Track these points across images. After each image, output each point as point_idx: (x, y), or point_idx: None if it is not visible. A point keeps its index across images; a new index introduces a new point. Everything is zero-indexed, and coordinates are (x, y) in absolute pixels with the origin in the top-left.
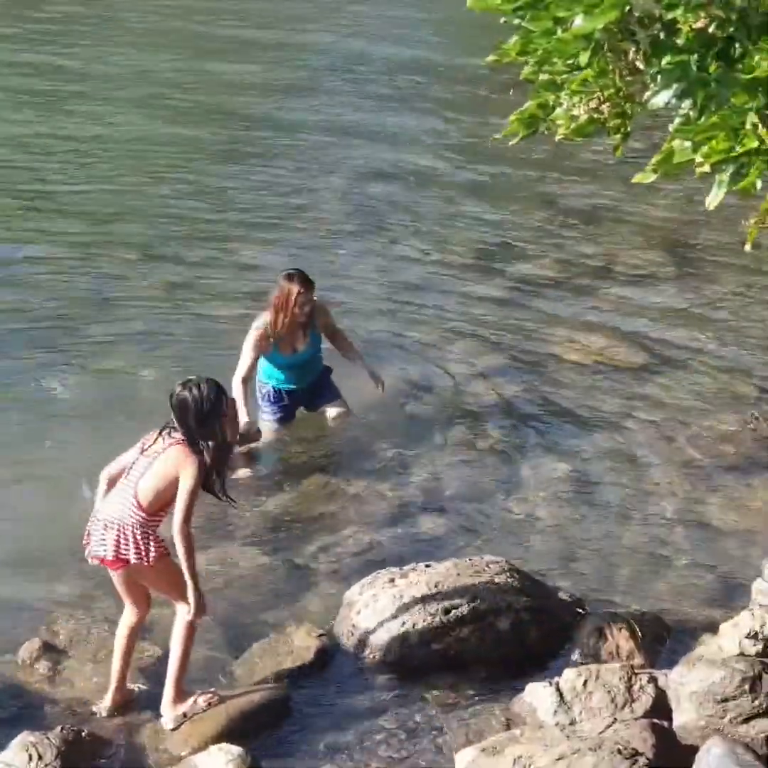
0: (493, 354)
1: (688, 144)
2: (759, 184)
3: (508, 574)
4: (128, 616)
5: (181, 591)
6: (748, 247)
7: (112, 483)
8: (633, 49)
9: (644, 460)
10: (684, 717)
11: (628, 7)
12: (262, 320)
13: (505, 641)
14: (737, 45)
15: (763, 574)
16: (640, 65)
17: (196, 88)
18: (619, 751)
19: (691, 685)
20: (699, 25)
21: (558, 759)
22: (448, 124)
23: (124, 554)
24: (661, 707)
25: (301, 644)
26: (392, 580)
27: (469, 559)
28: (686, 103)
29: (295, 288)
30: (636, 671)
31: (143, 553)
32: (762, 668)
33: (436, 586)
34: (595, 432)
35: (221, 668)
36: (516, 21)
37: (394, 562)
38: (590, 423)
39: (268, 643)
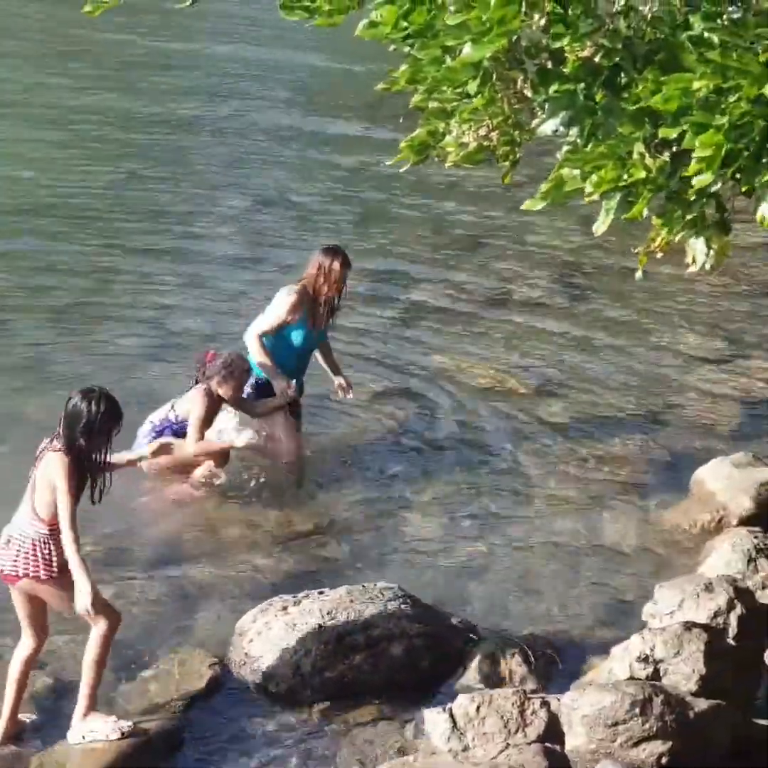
0: (387, 381)
1: (576, 172)
2: (646, 212)
3: (401, 600)
4: (24, 644)
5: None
6: (638, 275)
7: None
8: (521, 77)
9: (537, 484)
10: (576, 741)
11: (515, 37)
12: (295, 289)
13: (398, 668)
14: (623, 74)
15: (653, 597)
16: (528, 93)
17: (85, 114)
18: None
19: (583, 709)
20: (585, 54)
21: None
22: (339, 151)
23: (25, 569)
24: (553, 731)
25: (193, 672)
26: (285, 608)
27: (363, 586)
28: (574, 131)
29: (338, 262)
30: (528, 696)
31: (44, 567)
32: (652, 691)
33: (329, 614)
34: (489, 457)
35: (112, 696)
36: (405, 49)
37: (288, 589)
38: (484, 448)
39: (160, 671)
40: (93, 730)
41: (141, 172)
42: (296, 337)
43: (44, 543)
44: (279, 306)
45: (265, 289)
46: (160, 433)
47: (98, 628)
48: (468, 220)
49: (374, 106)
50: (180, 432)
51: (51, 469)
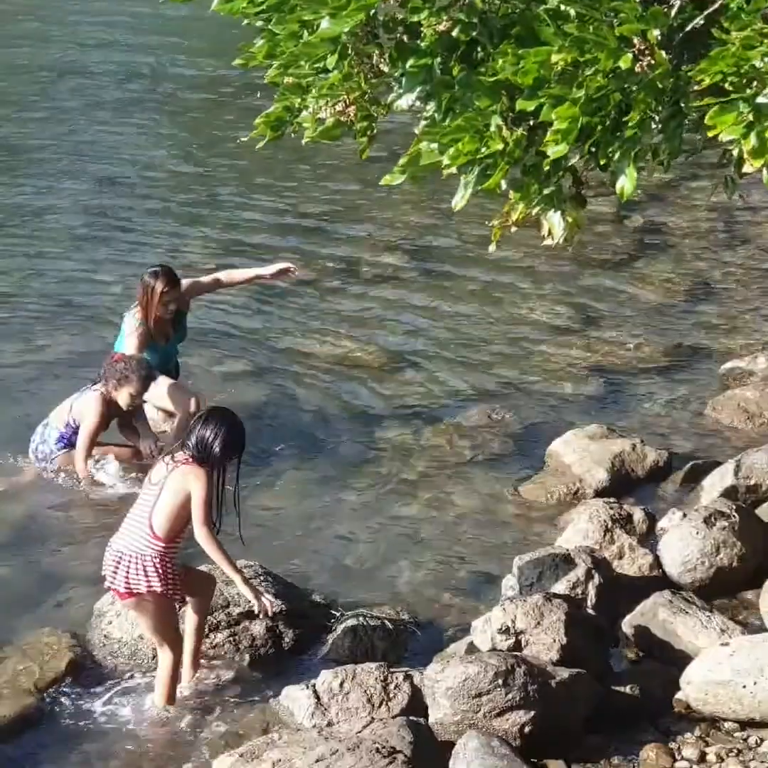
0: (238, 359)
1: (434, 146)
2: (503, 184)
3: (261, 578)
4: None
5: (165, 636)
6: (492, 248)
7: None
8: (377, 52)
9: (392, 458)
10: (439, 713)
11: (373, 11)
12: (136, 318)
13: (260, 645)
14: (480, 48)
15: (513, 569)
16: (385, 68)
17: None
18: (378, 750)
19: (446, 682)
20: (442, 28)
21: (317, 761)
22: (190, 130)
23: (136, 586)
24: (417, 705)
25: (53, 653)
26: None
27: None
28: (431, 106)
29: (159, 286)
30: (391, 670)
31: (158, 583)
32: (514, 662)
33: None
34: (343, 431)
35: None
36: (258, 24)
37: None
38: (338, 423)
39: (18, 653)
40: None
41: None
42: (152, 358)
43: (164, 561)
44: (129, 343)
45: (115, 266)
46: (69, 441)
47: (167, 657)
48: (322, 195)
49: (223, 82)
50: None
51: (186, 479)
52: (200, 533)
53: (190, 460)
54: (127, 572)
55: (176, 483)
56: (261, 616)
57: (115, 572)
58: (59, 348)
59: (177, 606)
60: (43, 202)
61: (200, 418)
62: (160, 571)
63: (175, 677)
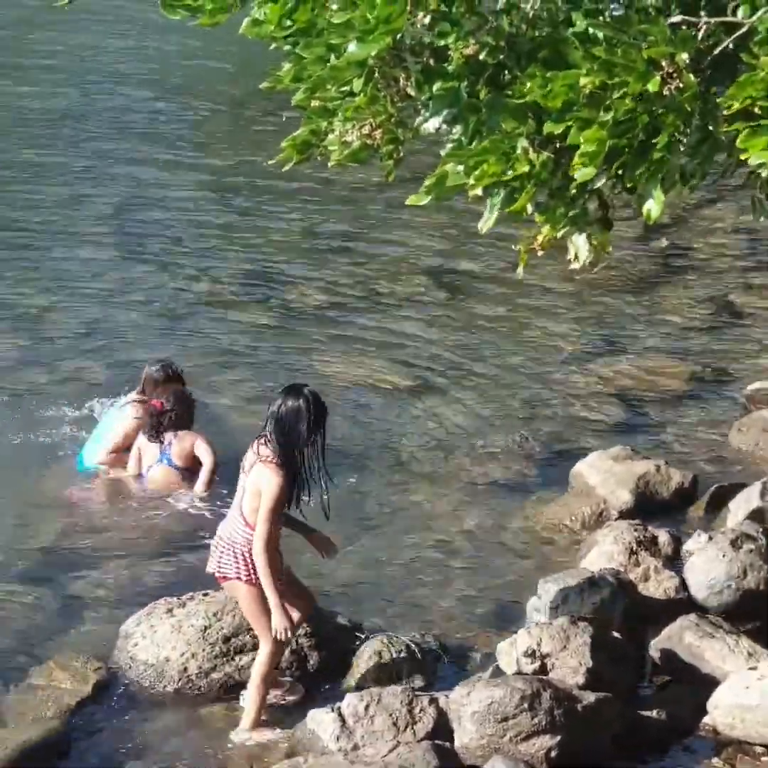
0: (264, 381)
1: (460, 167)
2: (530, 207)
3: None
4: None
5: (259, 624)
6: (519, 271)
7: None
8: (403, 75)
9: (417, 482)
10: (465, 737)
11: (400, 35)
12: (136, 415)
13: (285, 668)
14: (506, 71)
15: (538, 592)
16: (411, 92)
17: None
18: None
19: (472, 706)
20: (469, 51)
21: None
22: (215, 153)
23: (225, 571)
24: (442, 728)
25: (79, 678)
26: (170, 610)
27: None
28: (458, 129)
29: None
30: (417, 693)
31: (244, 572)
32: (540, 686)
33: (215, 616)
34: (370, 454)
35: None
36: (286, 48)
37: (173, 592)
38: (364, 445)
39: (45, 677)
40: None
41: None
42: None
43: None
44: (120, 431)
45: (141, 289)
46: None
47: (265, 644)
48: (347, 218)
49: (246, 104)
50: None
51: (259, 482)
52: (256, 545)
53: (270, 459)
54: (221, 557)
55: (255, 481)
56: (277, 637)
57: (212, 555)
58: (85, 372)
59: None
60: (65, 229)
61: (277, 403)
62: (249, 559)
63: (268, 674)
